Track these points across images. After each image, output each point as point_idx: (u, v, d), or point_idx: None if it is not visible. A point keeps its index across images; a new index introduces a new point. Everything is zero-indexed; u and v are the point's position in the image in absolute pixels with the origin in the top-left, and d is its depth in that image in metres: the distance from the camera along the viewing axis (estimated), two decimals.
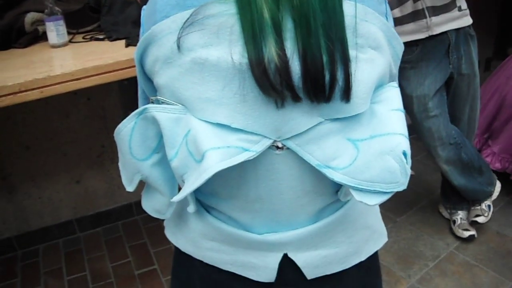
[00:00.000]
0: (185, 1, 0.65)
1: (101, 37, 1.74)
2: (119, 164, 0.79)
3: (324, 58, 0.61)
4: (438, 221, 2.37)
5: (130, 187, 0.79)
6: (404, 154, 0.68)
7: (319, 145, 0.67)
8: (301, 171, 0.71)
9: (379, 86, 0.71)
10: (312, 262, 0.79)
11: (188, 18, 0.63)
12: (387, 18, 0.71)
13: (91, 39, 1.74)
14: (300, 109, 0.65)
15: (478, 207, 2.24)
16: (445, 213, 2.37)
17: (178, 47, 0.64)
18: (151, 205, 0.83)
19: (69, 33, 1.72)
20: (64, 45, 1.66)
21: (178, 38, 0.64)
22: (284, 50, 0.60)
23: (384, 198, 0.69)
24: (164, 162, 0.74)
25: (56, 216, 2.38)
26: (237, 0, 0.62)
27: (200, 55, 0.63)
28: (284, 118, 0.65)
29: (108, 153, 2.34)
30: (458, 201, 2.23)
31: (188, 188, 0.66)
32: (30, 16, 1.68)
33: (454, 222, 2.26)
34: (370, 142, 0.68)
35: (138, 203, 2.50)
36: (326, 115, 0.66)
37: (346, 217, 0.80)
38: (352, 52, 0.64)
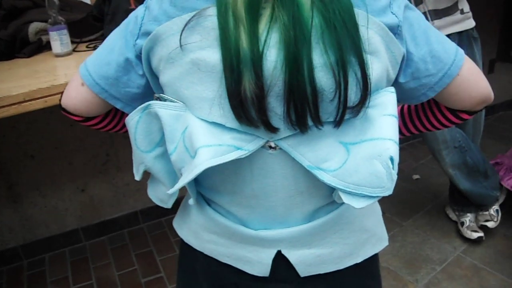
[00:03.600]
0: (188, 5, 0.67)
1: None
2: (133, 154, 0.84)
3: (328, 90, 0.63)
4: (444, 224, 2.36)
5: (137, 176, 0.84)
6: (391, 159, 0.69)
7: (311, 146, 0.69)
8: (294, 171, 0.73)
9: (374, 90, 0.71)
10: (305, 260, 0.82)
11: (188, 20, 0.65)
12: (392, 12, 0.70)
13: (95, 47, 1.75)
14: None
15: (487, 213, 2.23)
16: (452, 215, 2.36)
17: (180, 47, 0.67)
18: (156, 194, 0.87)
19: (72, 42, 1.72)
20: (68, 54, 1.67)
21: (180, 39, 0.66)
22: (262, 84, 0.62)
23: (370, 201, 0.71)
24: (167, 155, 0.78)
25: (62, 225, 2.38)
26: (220, 32, 0.63)
27: (198, 56, 0.66)
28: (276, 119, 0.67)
29: (113, 162, 2.34)
30: (467, 203, 2.22)
31: (181, 182, 0.70)
32: (34, 26, 1.69)
33: (463, 223, 2.24)
34: (360, 146, 0.70)
35: (144, 211, 2.52)
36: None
37: (341, 218, 0.81)
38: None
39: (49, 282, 2.19)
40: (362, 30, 0.65)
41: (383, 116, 0.70)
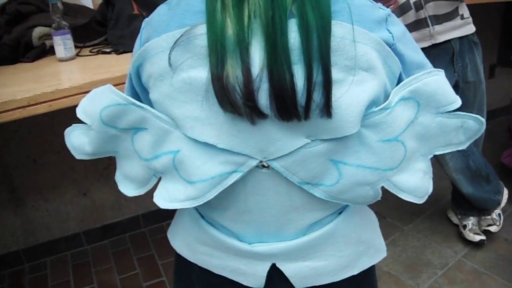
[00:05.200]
0: (177, 20, 0.66)
1: (108, 50, 1.76)
2: (123, 178, 0.86)
3: (299, 78, 0.61)
4: (445, 229, 2.36)
5: (146, 188, 0.83)
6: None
7: (303, 166, 0.69)
8: (288, 188, 0.73)
9: (369, 108, 0.68)
10: (300, 273, 0.81)
11: (178, 38, 0.64)
12: (388, 30, 0.68)
13: (98, 52, 1.76)
14: (285, 130, 0.65)
15: (489, 217, 2.23)
16: (454, 219, 2.36)
17: (170, 65, 0.65)
18: (126, 189, 0.87)
19: (76, 46, 1.73)
20: (72, 58, 1.68)
21: (169, 58, 0.65)
22: (248, 68, 0.61)
23: None
24: (123, 138, 0.77)
25: (64, 228, 2.38)
26: (207, 16, 0.63)
27: (189, 75, 0.64)
28: (269, 140, 0.66)
29: (115, 166, 2.33)
30: (470, 207, 2.22)
31: (179, 204, 0.73)
32: (38, 31, 1.70)
33: (465, 226, 2.24)
34: (354, 170, 0.69)
35: (145, 215, 2.53)
36: (312, 136, 0.66)
37: (336, 231, 0.80)
38: (340, 75, 0.63)
39: (50, 286, 2.19)
40: (347, 44, 0.63)
41: (378, 143, 0.68)
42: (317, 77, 0.61)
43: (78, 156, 0.85)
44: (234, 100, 0.61)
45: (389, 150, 0.69)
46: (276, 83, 0.61)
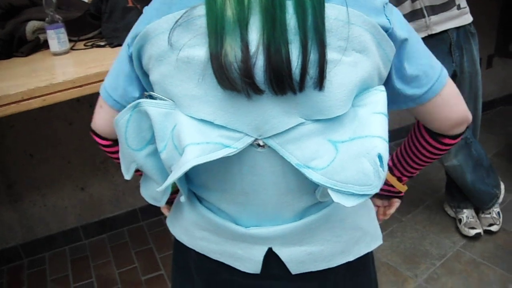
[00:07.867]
0: (178, 2, 0.68)
1: (102, 43, 1.75)
2: (119, 153, 0.83)
3: (294, 51, 0.63)
4: (443, 219, 2.37)
5: (127, 176, 0.84)
6: (380, 157, 0.68)
7: (299, 145, 0.69)
8: (284, 169, 0.73)
9: (364, 89, 0.70)
10: (297, 258, 0.81)
11: (178, 19, 0.66)
12: (386, 16, 0.70)
13: (92, 46, 1.75)
14: (280, 108, 0.67)
15: (489, 216, 2.23)
16: (451, 212, 2.36)
17: (170, 45, 0.67)
18: (148, 193, 0.88)
19: (70, 40, 1.72)
20: (66, 52, 1.67)
21: (169, 37, 0.67)
22: (247, 45, 0.63)
23: (360, 200, 0.70)
24: (158, 152, 0.78)
25: (62, 223, 2.38)
26: None
27: (187, 54, 0.66)
28: (264, 117, 0.67)
29: (111, 160, 2.34)
30: (462, 199, 2.23)
31: (169, 179, 0.70)
32: (31, 25, 1.68)
33: (460, 220, 2.25)
34: (349, 144, 0.69)
35: (143, 209, 2.52)
36: (306, 116, 0.67)
37: (333, 216, 0.80)
38: (333, 55, 0.65)
39: (49, 281, 2.20)
40: (341, 25, 0.65)
41: (373, 114, 0.69)
42: (311, 54, 0.63)
43: (162, 203, 0.87)
44: (232, 77, 0.63)
45: (379, 120, 0.69)
46: (273, 58, 0.62)
